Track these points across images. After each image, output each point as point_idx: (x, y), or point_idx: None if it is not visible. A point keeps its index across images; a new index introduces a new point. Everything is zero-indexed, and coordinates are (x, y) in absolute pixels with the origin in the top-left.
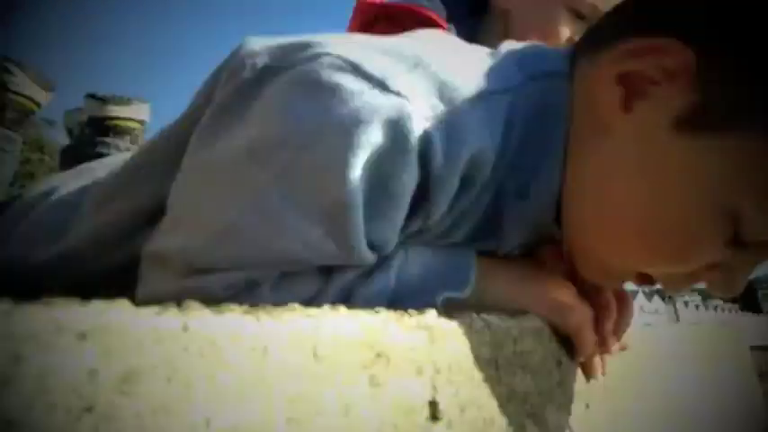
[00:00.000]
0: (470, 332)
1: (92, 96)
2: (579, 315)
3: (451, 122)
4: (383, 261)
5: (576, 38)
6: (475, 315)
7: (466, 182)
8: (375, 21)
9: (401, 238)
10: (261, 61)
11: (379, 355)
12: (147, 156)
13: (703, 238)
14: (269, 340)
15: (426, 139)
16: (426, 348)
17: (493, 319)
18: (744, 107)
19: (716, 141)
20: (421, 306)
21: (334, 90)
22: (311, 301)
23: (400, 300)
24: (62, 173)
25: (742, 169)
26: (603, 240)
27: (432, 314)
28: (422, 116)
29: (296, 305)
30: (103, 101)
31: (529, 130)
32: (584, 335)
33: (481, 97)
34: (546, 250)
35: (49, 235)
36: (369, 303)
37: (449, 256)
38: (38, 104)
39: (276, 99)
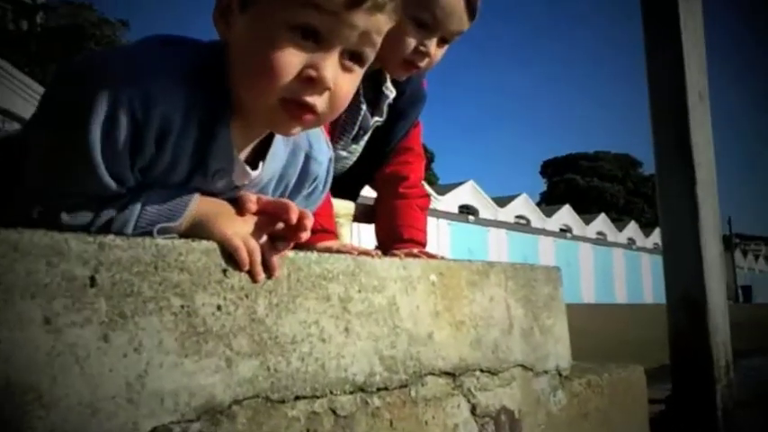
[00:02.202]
0: (142, 247)
1: None
2: (235, 242)
3: (146, 97)
4: (133, 198)
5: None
6: (149, 240)
7: (161, 135)
8: None
9: (139, 177)
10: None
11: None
12: None
13: (280, 51)
14: None
15: (131, 108)
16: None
17: (162, 240)
18: None
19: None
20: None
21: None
22: (90, 224)
23: (146, 224)
24: None
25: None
26: (243, 88)
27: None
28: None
29: None
30: None
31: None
32: (238, 254)
33: (169, 77)
34: (241, 197)
35: None
36: (124, 226)
37: (174, 198)
38: None
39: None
